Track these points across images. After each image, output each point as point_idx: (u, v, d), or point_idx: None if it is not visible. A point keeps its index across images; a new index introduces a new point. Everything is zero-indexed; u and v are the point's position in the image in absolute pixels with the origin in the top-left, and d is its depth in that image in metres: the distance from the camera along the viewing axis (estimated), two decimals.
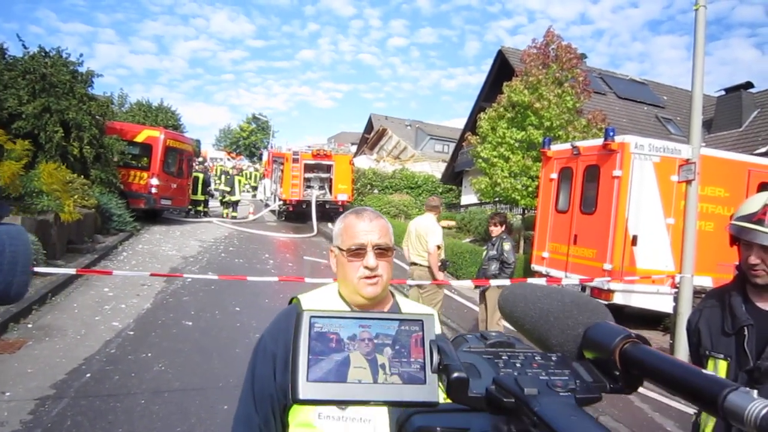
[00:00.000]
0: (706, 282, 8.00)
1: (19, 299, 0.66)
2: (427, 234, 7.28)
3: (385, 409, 1.47)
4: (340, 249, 1.65)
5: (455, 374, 0.56)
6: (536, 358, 0.63)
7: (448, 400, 0.59)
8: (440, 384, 0.58)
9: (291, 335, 1.68)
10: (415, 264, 7.45)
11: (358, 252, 1.61)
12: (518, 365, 0.61)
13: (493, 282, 7.23)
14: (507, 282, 7.27)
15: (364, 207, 1.79)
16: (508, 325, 0.76)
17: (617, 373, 0.59)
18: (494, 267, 7.39)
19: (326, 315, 0.60)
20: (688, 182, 7.15)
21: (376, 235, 1.62)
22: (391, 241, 1.66)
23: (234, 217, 22.07)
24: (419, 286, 7.31)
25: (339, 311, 0.61)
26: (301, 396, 0.56)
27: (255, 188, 34.97)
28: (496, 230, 7.55)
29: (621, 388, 0.60)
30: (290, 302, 1.73)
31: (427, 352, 0.59)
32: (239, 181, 23.25)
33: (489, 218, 8.17)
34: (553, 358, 0.63)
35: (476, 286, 7.94)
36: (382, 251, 1.61)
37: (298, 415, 1.53)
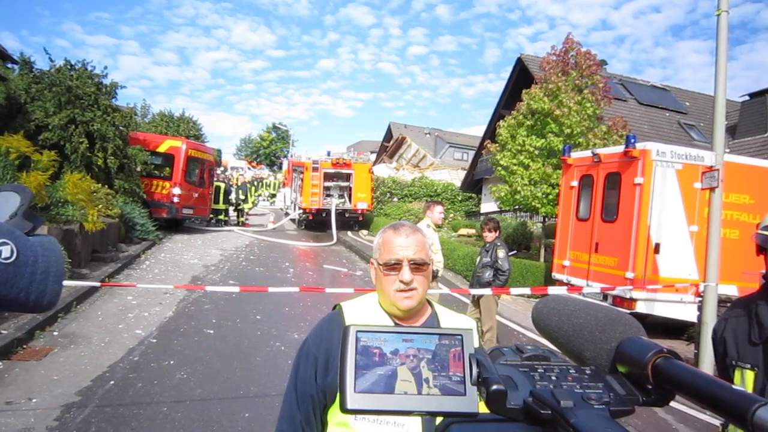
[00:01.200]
0: (731, 291, 7.86)
1: (51, 307, 0.69)
2: None
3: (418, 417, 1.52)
4: (378, 263, 1.73)
5: (494, 386, 0.59)
6: (571, 371, 0.64)
7: (486, 410, 0.61)
8: (479, 395, 0.60)
9: (332, 340, 1.74)
10: None
11: (394, 266, 1.68)
12: (554, 378, 0.63)
13: (488, 290, 7.09)
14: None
15: (402, 222, 1.84)
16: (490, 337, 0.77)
17: (650, 387, 0.61)
18: (488, 274, 7.15)
19: (371, 329, 0.63)
20: (712, 189, 7.05)
21: (412, 250, 1.68)
22: (427, 256, 1.72)
23: (246, 219, 22.51)
24: None
25: (383, 326, 0.64)
26: (349, 406, 0.59)
27: (273, 195, 35.32)
28: (490, 236, 7.32)
29: (653, 401, 0.62)
30: (334, 308, 1.82)
31: (467, 364, 0.61)
32: (251, 190, 23.70)
33: (482, 224, 7.84)
34: (587, 372, 0.65)
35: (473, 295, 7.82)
36: (417, 266, 1.68)
37: (336, 415, 1.62)
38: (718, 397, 0.55)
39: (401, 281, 1.66)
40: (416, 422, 1.55)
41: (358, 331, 0.62)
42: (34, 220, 0.73)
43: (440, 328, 0.66)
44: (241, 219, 22.98)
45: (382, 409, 0.60)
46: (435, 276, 7.39)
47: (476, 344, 0.65)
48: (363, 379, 0.59)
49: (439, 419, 0.66)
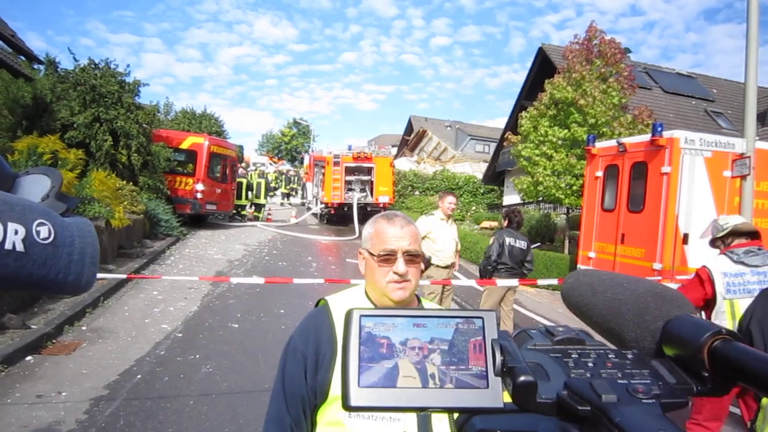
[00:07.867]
0: None
1: (88, 288, 0.69)
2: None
3: None
4: (371, 253, 1.67)
5: (522, 378, 0.51)
6: (610, 356, 0.56)
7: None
8: (504, 386, 0.54)
9: (321, 337, 1.64)
10: None
11: (388, 258, 1.63)
12: (590, 365, 0.55)
13: (499, 282, 7.07)
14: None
15: (395, 212, 1.80)
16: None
17: (705, 375, 0.53)
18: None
19: (378, 313, 0.55)
20: (743, 177, 6.88)
21: (407, 241, 1.64)
22: (420, 247, 1.69)
23: (257, 217, 22.51)
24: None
25: (392, 308, 0.57)
26: (353, 403, 0.52)
27: (276, 190, 35.39)
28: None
29: (710, 391, 0.53)
30: (317, 304, 1.76)
31: (489, 351, 0.54)
32: (260, 184, 23.43)
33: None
34: (629, 356, 0.56)
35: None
36: (411, 257, 1.63)
37: (326, 414, 1.54)
38: None
39: (396, 272, 1.61)
40: (413, 416, 1.46)
41: (362, 316, 0.55)
42: (68, 201, 0.73)
43: (458, 310, 0.58)
44: (254, 212, 22.88)
45: (392, 406, 0.52)
46: (428, 264, 7.32)
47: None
48: (369, 372, 0.52)
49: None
